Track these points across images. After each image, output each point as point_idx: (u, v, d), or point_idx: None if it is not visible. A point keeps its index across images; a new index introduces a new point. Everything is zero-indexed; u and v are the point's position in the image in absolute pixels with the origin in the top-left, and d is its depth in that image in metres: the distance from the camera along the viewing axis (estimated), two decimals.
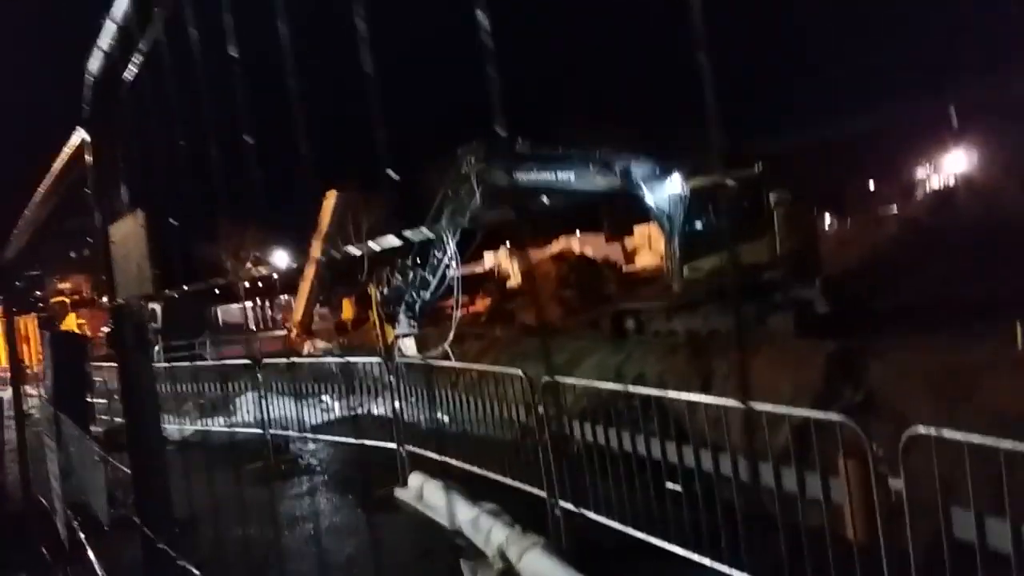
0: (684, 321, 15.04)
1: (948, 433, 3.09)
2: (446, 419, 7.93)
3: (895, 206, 46.31)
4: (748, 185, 14.34)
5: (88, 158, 2.74)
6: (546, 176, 15.08)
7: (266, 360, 11.46)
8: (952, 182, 42.09)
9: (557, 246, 51.33)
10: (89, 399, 10.87)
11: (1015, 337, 10.51)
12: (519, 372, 6.01)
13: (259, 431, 10.55)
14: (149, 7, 2.13)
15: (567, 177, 14.99)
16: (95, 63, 2.50)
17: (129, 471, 2.82)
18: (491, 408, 6.59)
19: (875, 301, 15.37)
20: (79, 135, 2.82)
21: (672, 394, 4.67)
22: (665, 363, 14.06)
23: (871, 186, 68.66)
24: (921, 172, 53.88)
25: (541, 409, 5.58)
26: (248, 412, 12.17)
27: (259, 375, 11.02)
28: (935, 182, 46.00)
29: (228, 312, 51.85)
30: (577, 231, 62.63)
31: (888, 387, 10.80)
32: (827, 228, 51.85)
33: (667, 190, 14.49)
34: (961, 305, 13.92)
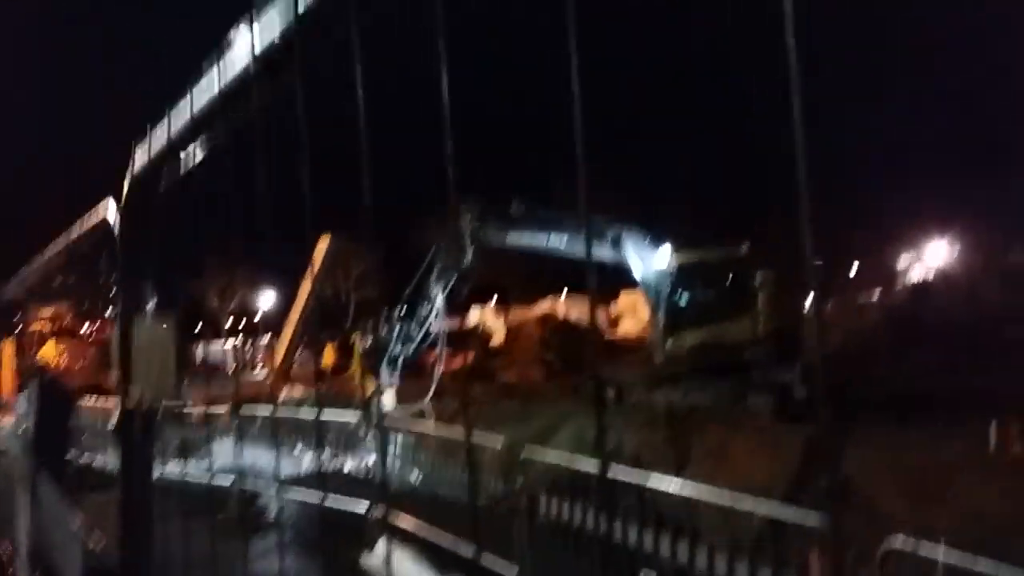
0: (664, 394, 15.07)
1: (925, 551, 3.11)
2: (419, 482, 7.84)
3: (878, 290, 47.00)
4: (735, 264, 14.60)
5: (117, 242, 2.79)
6: (539, 240, 15.27)
7: (244, 410, 11.30)
8: (933, 273, 42.82)
9: (543, 306, 51.53)
10: (69, 458, 10.66)
11: (988, 439, 10.58)
12: (497, 443, 5.98)
13: (230, 480, 10.35)
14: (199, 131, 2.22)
15: (559, 242, 15.17)
16: (139, 161, 2.57)
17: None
18: (465, 476, 6.52)
19: (855, 389, 15.47)
20: (108, 211, 2.87)
21: (651, 482, 4.60)
22: (643, 437, 14.03)
23: (856, 268, 69.88)
24: (904, 259, 54.78)
25: (516, 487, 5.54)
26: (220, 458, 11.98)
27: (234, 423, 10.88)
28: (917, 272, 46.73)
29: (209, 351, 51.34)
30: (564, 289, 63.01)
31: (865, 479, 10.81)
32: (808, 309, 52.56)
33: (656, 263, 14.68)
34: (938, 398, 14.04)
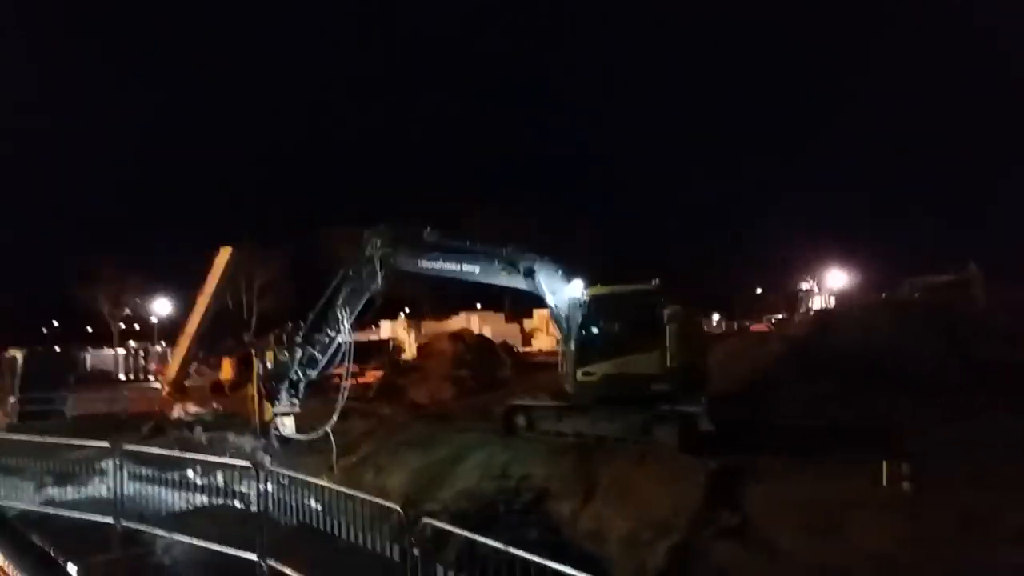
0: (573, 423, 15.08)
1: None
2: (313, 528, 7.42)
3: (782, 315, 48.96)
4: (645, 297, 14.76)
5: None
6: (451, 266, 15.07)
7: (127, 447, 10.51)
8: (832, 301, 44.88)
9: (456, 322, 51.32)
10: None
11: (880, 475, 10.95)
12: (397, 508, 5.67)
13: (110, 518, 9.60)
14: None
15: (472, 270, 15.02)
16: None
17: None
18: (364, 535, 6.18)
19: (757, 421, 15.87)
20: None
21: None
22: (551, 466, 13.98)
23: (758, 293, 72.72)
24: (804, 285, 57.30)
25: (416, 551, 5.26)
26: (101, 489, 11.17)
27: (116, 456, 10.10)
28: (816, 300, 48.91)
29: (99, 358, 48.76)
30: (477, 305, 63.05)
31: (763, 514, 11.02)
32: (716, 329, 54.27)
33: (568, 293, 14.68)
34: (835, 431, 14.57)
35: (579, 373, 14.69)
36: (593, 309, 14.69)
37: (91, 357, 48.01)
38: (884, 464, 11.02)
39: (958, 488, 10.30)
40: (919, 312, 23.30)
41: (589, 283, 14.97)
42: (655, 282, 14.78)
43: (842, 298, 45.74)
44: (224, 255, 34.04)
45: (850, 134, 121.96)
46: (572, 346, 14.75)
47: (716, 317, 69.86)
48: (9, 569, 9.99)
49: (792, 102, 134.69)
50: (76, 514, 10.28)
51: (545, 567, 4.40)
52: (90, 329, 71.81)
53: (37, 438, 13.43)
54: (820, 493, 10.90)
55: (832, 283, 53.24)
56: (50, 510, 11.11)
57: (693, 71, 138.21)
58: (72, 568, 8.98)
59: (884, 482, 10.93)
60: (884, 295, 36.00)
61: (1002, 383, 16.61)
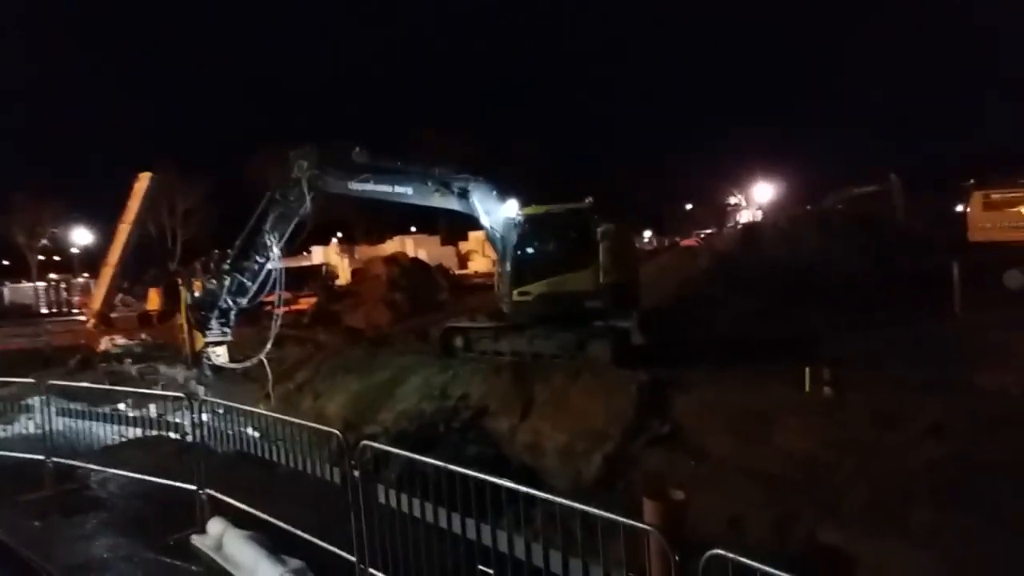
0: (510, 343, 15.25)
1: (746, 560, 3.16)
2: (252, 456, 7.38)
3: (711, 230, 49.94)
4: (578, 216, 14.81)
5: None
6: (383, 188, 14.73)
7: (53, 382, 10.18)
8: (759, 215, 45.91)
9: (391, 246, 50.76)
10: None
11: (803, 381, 11.46)
12: (336, 432, 5.67)
13: (41, 454, 9.36)
14: None
15: (404, 191, 14.73)
16: None
17: None
18: (303, 460, 6.18)
19: (687, 334, 16.34)
20: None
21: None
22: (489, 384, 14.19)
23: (688, 208, 73.87)
24: (732, 199, 58.41)
25: (356, 473, 5.29)
26: (29, 427, 10.84)
27: (43, 392, 9.78)
28: (744, 215, 49.94)
29: (18, 292, 46.78)
30: (412, 229, 62.42)
31: (692, 421, 11.49)
32: (648, 246, 55.13)
33: (503, 214, 14.61)
34: (761, 341, 15.15)
35: (515, 293, 14.78)
36: (528, 229, 14.68)
37: (9, 291, 46.11)
38: (806, 370, 11.51)
39: (876, 391, 10.84)
40: (841, 223, 24.09)
41: (523, 203, 14.92)
42: (588, 200, 14.82)
43: (769, 211, 46.85)
44: (143, 180, 32.70)
45: (780, 44, 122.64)
46: (507, 267, 14.78)
47: (648, 233, 70.98)
48: None
49: (723, 10, 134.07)
50: (4, 452, 10.00)
51: (484, 481, 4.48)
52: (6, 262, 68.44)
53: None
54: (746, 400, 11.36)
55: (760, 197, 54.42)
56: None
57: None
58: None
59: (807, 388, 11.44)
60: (809, 207, 36.99)
61: (919, 290, 17.46)
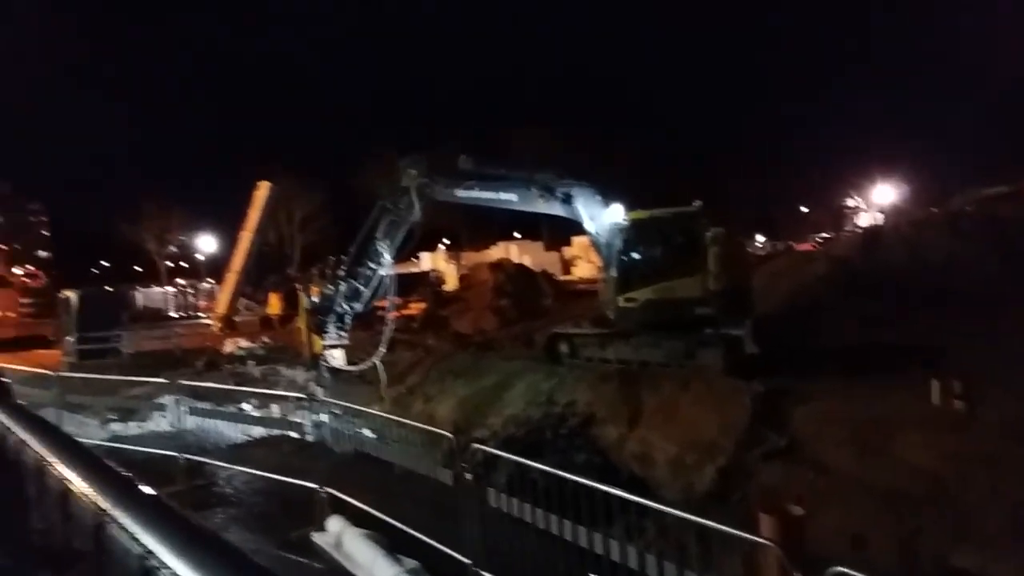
0: (617, 350, 15.07)
1: None
2: (368, 455, 7.62)
3: (826, 233, 47.92)
4: (686, 221, 14.50)
5: None
6: (488, 195, 14.94)
7: (184, 382, 10.86)
8: (880, 218, 43.67)
9: (496, 252, 51.40)
10: None
11: (931, 392, 10.79)
12: (448, 434, 5.77)
13: (173, 450, 9.99)
14: None
15: (509, 197, 14.87)
16: None
17: None
18: (416, 462, 6.32)
19: (803, 342, 15.69)
20: None
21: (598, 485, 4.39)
22: (596, 391, 14.08)
23: (803, 212, 71.11)
24: (851, 202, 55.82)
25: (468, 476, 5.36)
26: (162, 424, 11.59)
27: (174, 392, 10.44)
28: (863, 217, 47.63)
29: (149, 296, 50.13)
30: (516, 235, 62.99)
31: (810, 434, 11.01)
32: (760, 250, 53.42)
33: (607, 219, 14.49)
34: (884, 350, 14.35)
35: (621, 299, 14.60)
36: (634, 234, 14.48)
37: (142, 296, 49.39)
38: (934, 382, 10.83)
39: (1012, 405, 10.08)
40: (971, 226, 22.55)
41: (629, 207, 14.74)
42: (697, 204, 14.50)
43: (890, 214, 44.45)
44: (263, 190, 34.37)
45: (899, 44, 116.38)
46: (613, 272, 14.62)
47: (760, 238, 68.65)
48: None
49: (837, 12, 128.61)
50: (140, 448, 10.71)
51: (593, 489, 4.44)
52: (138, 268, 73.66)
53: (98, 376, 13.95)
54: (868, 412, 10.79)
55: (879, 199, 51.72)
56: (116, 445, 11.60)
57: None
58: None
59: (935, 400, 10.77)
60: (934, 210, 34.85)
61: None
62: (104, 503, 1.74)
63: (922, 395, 10.88)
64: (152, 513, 1.58)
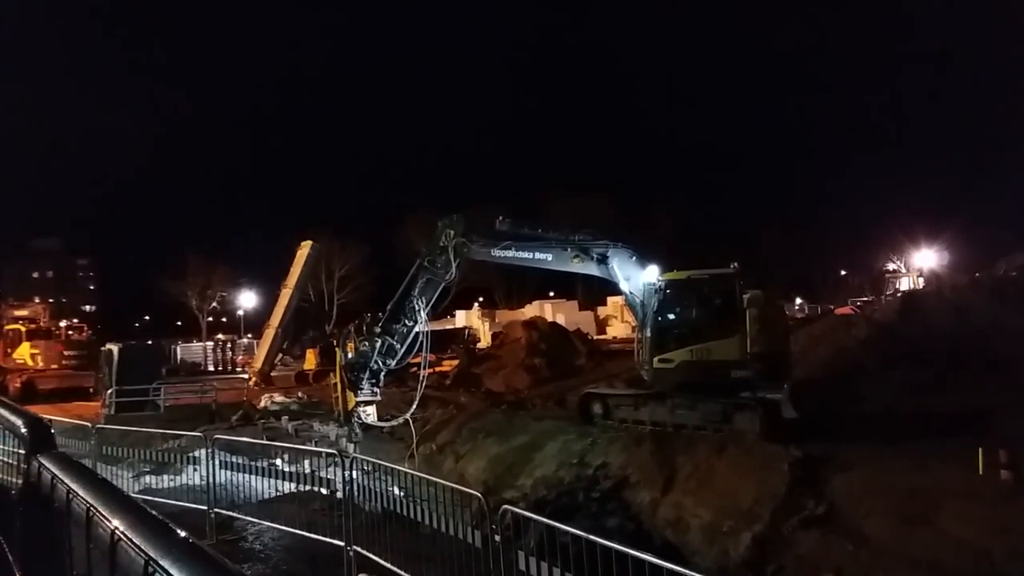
0: (651, 411, 14.94)
1: None
2: (396, 513, 7.60)
3: (867, 298, 47.22)
4: (723, 282, 14.48)
5: None
6: (524, 255, 15.14)
7: (218, 436, 10.99)
8: (920, 283, 42.98)
9: (530, 311, 51.47)
10: None
11: (976, 462, 10.47)
12: (478, 494, 5.76)
13: (203, 505, 10.06)
14: None
15: (544, 257, 15.06)
16: None
17: None
18: (445, 521, 6.30)
19: (843, 408, 15.40)
20: None
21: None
22: (629, 454, 13.91)
23: (842, 275, 70.31)
24: (891, 266, 55.09)
25: (497, 538, 5.33)
26: (194, 478, 11.68)
27: (208, 446, 10.56)
28: (904, 282, 46.92)
29: (189, 351, 50.96)
30: (551, 294, 63.15)
31: (850, 503, 10.72)
32: (798, 313, 52.78)
33: (643, 279, 14.54)
34: (926, 418, 14.02)
35: (656, 360, 14.52)
36: (669, 295, 14.49)
37: (181, 350, 50.22)
38: (980, 451, 10.52)
39: None
40: (1015, 292, 22.13)
41: (665, 268, 14.79)
42: (734, 266, 14.48)
43: (931, 279, 43.71)
44: (305, 248, 35.07)
45: (937, 107, 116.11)
46: (648, 333, 14.60)
47: (798, 301, 67.81)
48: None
49: (875, 75, 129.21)
50: (171, 501, 10.79)
51: (626, 555, 4.39)
52: (180, 323, 75.12)
53: (134, 428, 14.15)
54: (911, 481, 10.51)
55: (920, 263, 51.00)
56: (148, 497, 11.69)
57: (765, 44, 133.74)
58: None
59: (980, 470, 10.45)
60: (977, 275, 34.27)
61: None
62: (151, 551, 1.81)
63: (967, 464, 10.57)
64: (196, 562, 1.64)
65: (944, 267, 48.56)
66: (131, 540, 2.01)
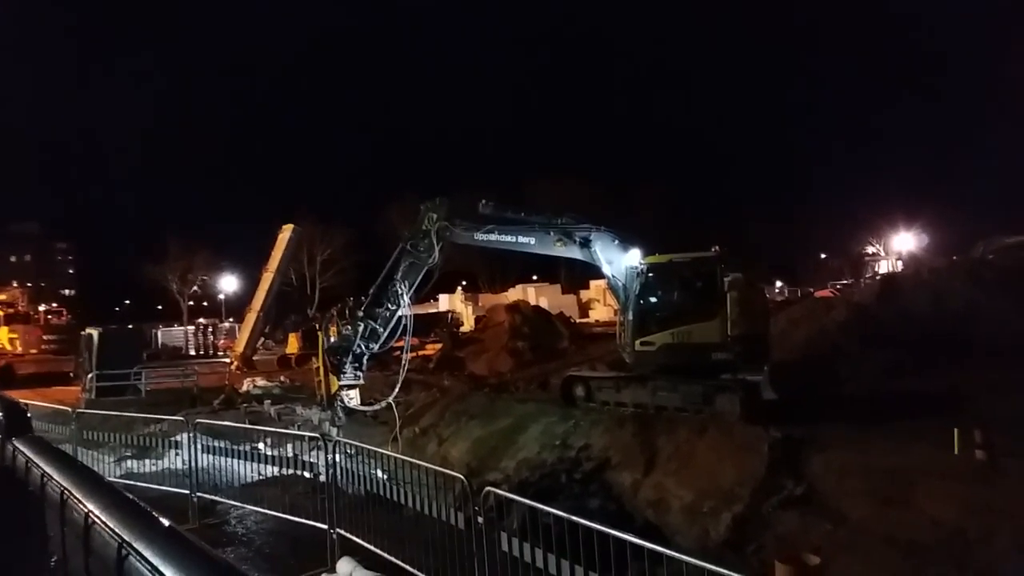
0: (633, 394, 15.02)
1: None
2: (379, 496, 7.60)
3: (847, 281, 47.66)
4: (704, 266, 14.55)
5: None
6: (507, 239, 15.11)
7: (200, 420, 10.94)
8: (900, 266, 43.42)
9: (513, 294, 51.55)
10: None
11: (952, 442, 10.63)
12: (461, 477, 5.78)
13: (185, 489, 10.04)
14: None
15: (527, 241, 15.03)
16: None
17: None
18: (428, 503, 6.32)
19: (822, 390, 15.56)
20: None
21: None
22: (611, 436, 13.99)
23: (822, 258, 70.85)
24: (870, 249, 55.57)
25: (480, 519, 5.35)
26: (176, 462, 11.64)
27: (190, 430, 10.52)
28: (883, 265, 47.38)
29: (169, 335, 50.56)
30: (534, 277, 63.21)
31: (829, 483, 10.86)
32: (778, 296, 53.18)
33: (625, 263, 14.56)
34: (904, 399, 14.20)
35: (638, 343, 14.58)
36: (651, 278, 14.54)
37: (162, 334, 49.81)
38: (955, 431, 10.68)
39: None
40: (993, 275, 22.38)
41: (647, 252, 14.81)
42: (715, 249, 14.56)
43: (910, 262, 44.17)
44: (286, 232, 34.87)
45: (922, 93, 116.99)
46: (630, 316, 14.64)
47: (779, 284, 68.33)
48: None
49: (855, 56, 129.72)
50: (153, 486, 10.75)
51: (607, 535, 4.42)
52: (160, 307, 74.50)
53: (115, 413, 14.05)
54: (888, 462, 10.65)
55: (899, 246, 51.50)
56: (129, 482, 11.63)
57: (749, 29, 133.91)
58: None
59: (956, 450, 10.61)
60: (955, 258, 34.64)
61: None
62: (125, 535, 1.80)
63: (942, 445, 10.73)
64: (171, 545, 1.63)
65: (923, 250, 49.05)
66: (105, 523, 1.99)
